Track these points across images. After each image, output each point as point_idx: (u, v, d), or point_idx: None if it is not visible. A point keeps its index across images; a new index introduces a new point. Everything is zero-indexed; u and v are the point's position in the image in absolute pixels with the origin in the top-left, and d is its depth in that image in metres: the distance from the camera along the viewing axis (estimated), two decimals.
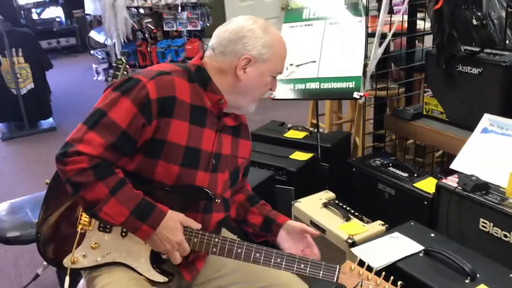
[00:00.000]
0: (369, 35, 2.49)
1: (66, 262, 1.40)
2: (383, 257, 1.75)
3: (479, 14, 2.16)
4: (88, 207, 1.29)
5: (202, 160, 1.42)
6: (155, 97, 1.31)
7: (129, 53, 4.23)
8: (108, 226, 1.40)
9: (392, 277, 1.41)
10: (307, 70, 2.51)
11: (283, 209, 2.60)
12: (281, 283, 1.53)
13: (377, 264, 1.72)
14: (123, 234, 1.40)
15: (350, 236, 1.98)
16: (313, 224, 2.16)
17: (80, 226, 1.41)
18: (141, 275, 1.40)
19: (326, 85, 2.45)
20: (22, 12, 8.64)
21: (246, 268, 1.53)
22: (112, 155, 1.29)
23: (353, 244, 1.96)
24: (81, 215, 1.41)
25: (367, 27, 2.41)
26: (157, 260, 1.41)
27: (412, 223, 1.94)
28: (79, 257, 1.40)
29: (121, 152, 1.31)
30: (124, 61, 2.35)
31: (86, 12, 7.07)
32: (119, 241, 1.40)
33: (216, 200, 1.43)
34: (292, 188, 2.65)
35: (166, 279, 1.40)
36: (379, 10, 2.74)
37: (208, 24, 4.36)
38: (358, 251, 1.84)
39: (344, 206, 2.20)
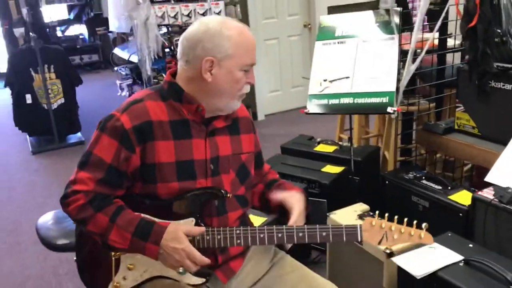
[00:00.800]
0: (403, 52, 2.56)
1: None
2: (423, 266, 1.80)
3: (499, 31, 2.23)
4: (99, 240, 1.39)
5: (198, 169, 1.45)
6: (130, 126, 1.38)
7: (159, 70, 4.34)
8: None
9: (415, 221, 1.42)
10: (340, 86, 2.59)
11: (316, 222, 2.65)
12: None
13: (419, 272, 1.77)
14: None
15: (388, 247, 2.02)
16: None
17: (113, 253, 1.44)
18: (180, 282, 1.44)
19: (359, 100, 2.52)
20: (48, 30, 8.87)
21: (285, 278, 1.58)
22: (104, 188, 1.38)
23: (391, 254, 2.00)
24: None
25: (400, 44, 2.49)
26: None
27: (450, 234, 1.98)
28: (120, 281, 1.44)
29: (112, 185, 1.39)
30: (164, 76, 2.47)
31: (110, 29, 7.24)
32: None
33: (228, 195, 1.45)
34: (325, 200, 2.71)
35: (204, 280, 1.44)
36: (407, 28, 2.83)
37: None
38: (399, 260, 1.89)
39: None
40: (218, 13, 4.13)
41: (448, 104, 3.17)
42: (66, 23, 9.53)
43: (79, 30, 9.59)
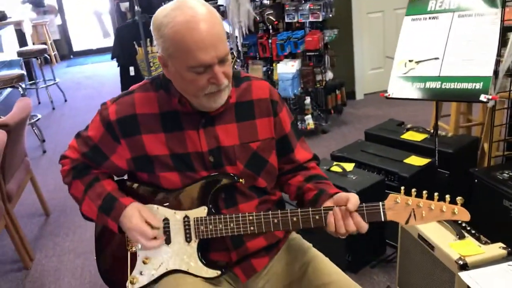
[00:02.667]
0: (506, 29, 2.17)
1: (127, 285, 1.40)
2: (499, 287, 1.52)
3: None
4: (79, 208, 1.44)
5: (196, 162, 1.35)
6: (115, 118, 1.37)
7: (250, 45, 4.25)
8: None
9: (448, 196, 1.26)
10: (428, 68, 2.28)
11: None
12: None
13: None
14: (168, 241, 1.38)
15: (462, 257, 1.76)
16: (421, 238, 1.97)
17: (129, 247, 1.41)
18: (196, 276, 1.37)
19: (448, 85, 2.19)
20: (162, 3, 9.22)
21: (311, 279, 1.43)
22: (87, 161, 1.44)
23: (464, 266, 1.74)
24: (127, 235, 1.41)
25: (502, 21, 2.10)
26: (206, 257, 1.39)
27: None
28: (137, 276, 1.40)
29: (93, 161, 1.43)
30: (235, 54, 2.35)
31: (219, 3, 7.33)
32: (166, 249, 1.38)
33: (240, 180, 1.35)
34: None
35: (219, 272, 1.37)
36: None
37: (330, 15, 4.21)
38: (468, 277, 1.62)
39: (460, 222, 1.96)
40: None
41: None
42: None
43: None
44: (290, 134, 1.47)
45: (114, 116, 1.36)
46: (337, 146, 3.73)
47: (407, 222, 1.27)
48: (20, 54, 6.15)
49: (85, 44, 10.30)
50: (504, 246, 1.79)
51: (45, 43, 8.50)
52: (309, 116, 4.28)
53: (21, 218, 3.45)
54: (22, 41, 7.51)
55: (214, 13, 1.24)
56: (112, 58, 5.26)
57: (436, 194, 1.27)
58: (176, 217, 1.37)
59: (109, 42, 10.29)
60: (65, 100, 6.60)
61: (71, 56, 10.05)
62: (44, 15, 9.40)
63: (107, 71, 8.28)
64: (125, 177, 1.50)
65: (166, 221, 1.37)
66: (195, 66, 1.22)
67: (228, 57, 1.27)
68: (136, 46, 5.11)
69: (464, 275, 1.63)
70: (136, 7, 5.03)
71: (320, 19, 3.99)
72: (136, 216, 1.33)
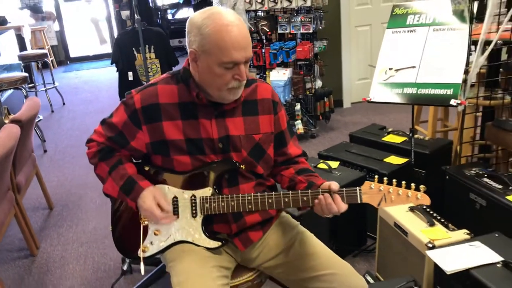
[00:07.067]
0: (473, 42, 2.44)
1: (139, 252, 1.64)
2: (457, 262, 1.77)
3: None
4: (103, 186, 1.65)
5: (207, 147, 1.57)
6: (140, 106, 1.57)
7: None
8: None
9: (413, 184, 1.48)
10: (405, 75, 2.54)
11: (372, 210, 2.66)
12: (339, 273, 1.58)
13: (450, 268, 1.75)
14: (177, 216, 1.61)
15: (431, 241, 1.99)
16: (396, 226, 2.21)
17: (142, 220, 1.65)
18: (199, 246, 1.60)
19: (423, 91, 2.45)
20: (159, 13, 9.48)
21: (297, 250, 1.65)
22: (112, 144, 1.64)
23: (433, 248, 1.97)
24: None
25: (470, 35, 2.38)
26: (209, 230, 1.62)
27: (497, 235, 1.91)
28: (148, 245, 1.63)
29: (118, 145, 1.63)
30: None
31: None
32: (174, 223, 1.61)
33: (241, 166, 1.58)
34: None
35: (220, 243, 1.60)
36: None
37: (320, 27, 4.48)
38: (433, 254, 1.86)
39: (431, 212, 2.20)
40: None
41: None
42: (176, 6, 10.10)
43: (188, 13, 10.09)
44: (285, 131, 1.73)
45: (139, 104, 1.57)
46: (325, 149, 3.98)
47: (379, 204, 1.50)
48: (21, 58, 6.35)
49: (82, 51, 10.51)
50: (468, 232, 2.02)
51: (43, 48, 8.70)
52: (299, 121, 4.53)
53: (26, 210, 3.65)
54: (21, 46, 7.70)
55: (243, 22, 1.48)
56: (112, 63, 5.46)
57: (404, 182, 1.50)
58: (184, 195, 1.60)
59: (106, 48, 10.51)
60: (63, 104, 6.79)
61: (68, 62, 10.24)
62: (42, 21, 9.59)
63: (103, 76, 8.48)
64: (140, 160, 1.72)
65: (175, 199, 1.61)
66: (227, 62, 1.43)
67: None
68: (135, 52, 5.33)
69: (430, 253, 1.88)
70: (136, 15, 5.26)
71: (311, 31, 4.26)
72: (150, 199, 1.56)
